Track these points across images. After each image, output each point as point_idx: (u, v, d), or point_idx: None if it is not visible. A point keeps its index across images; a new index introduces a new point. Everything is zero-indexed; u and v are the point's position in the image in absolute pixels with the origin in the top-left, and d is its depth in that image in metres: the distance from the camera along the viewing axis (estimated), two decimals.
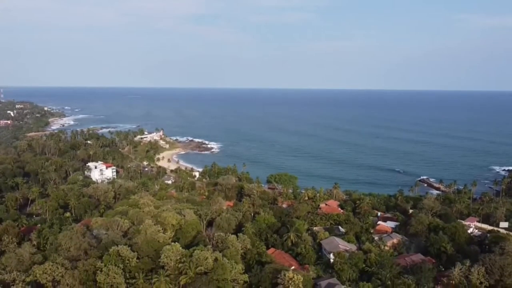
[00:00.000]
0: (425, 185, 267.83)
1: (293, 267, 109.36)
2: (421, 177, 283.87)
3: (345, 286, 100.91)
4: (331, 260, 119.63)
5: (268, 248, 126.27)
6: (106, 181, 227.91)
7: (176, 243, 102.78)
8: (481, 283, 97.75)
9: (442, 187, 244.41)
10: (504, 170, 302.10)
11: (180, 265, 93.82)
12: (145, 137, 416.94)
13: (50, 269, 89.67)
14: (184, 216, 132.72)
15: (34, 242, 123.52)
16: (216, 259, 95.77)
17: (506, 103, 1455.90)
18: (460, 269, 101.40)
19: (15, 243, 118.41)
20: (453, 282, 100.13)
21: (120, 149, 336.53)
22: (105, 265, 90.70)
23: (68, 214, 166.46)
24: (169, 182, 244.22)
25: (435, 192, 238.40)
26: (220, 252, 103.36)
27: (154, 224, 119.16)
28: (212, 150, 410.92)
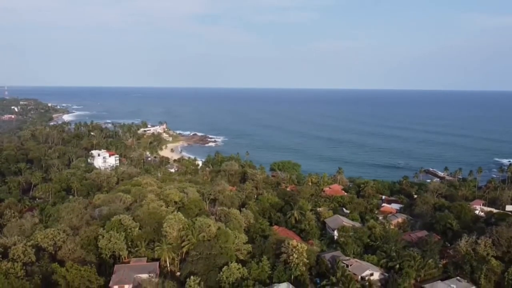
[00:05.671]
0: (429, 175, 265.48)
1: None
2: (425, 168, 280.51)
3: (349, 258, 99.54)
4: (335, 237, 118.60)
5: (271, 225, 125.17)
6: (109, 168, 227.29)
7: (179, 212, 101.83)
8: (488, 254, 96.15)
9: (446, 176, 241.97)
10: (510, 161, 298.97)
11: (183, 232, 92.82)
12: (148, 130, 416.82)
13: (52, 233, 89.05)
14: (186, 194, 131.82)
15: (37, 219, 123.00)
16: (219, 228, 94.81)
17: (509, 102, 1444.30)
18: (467, 241, 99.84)
19: (17, 217, 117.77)
20: (460, 254, 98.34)
21: (123, 141, 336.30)
22: (107, 232, 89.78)
23: (71, 197, 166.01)
24: (172, 170, 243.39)
25: (439, 180, 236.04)
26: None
27: (157, 200, 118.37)
28: (216, 143, 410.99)
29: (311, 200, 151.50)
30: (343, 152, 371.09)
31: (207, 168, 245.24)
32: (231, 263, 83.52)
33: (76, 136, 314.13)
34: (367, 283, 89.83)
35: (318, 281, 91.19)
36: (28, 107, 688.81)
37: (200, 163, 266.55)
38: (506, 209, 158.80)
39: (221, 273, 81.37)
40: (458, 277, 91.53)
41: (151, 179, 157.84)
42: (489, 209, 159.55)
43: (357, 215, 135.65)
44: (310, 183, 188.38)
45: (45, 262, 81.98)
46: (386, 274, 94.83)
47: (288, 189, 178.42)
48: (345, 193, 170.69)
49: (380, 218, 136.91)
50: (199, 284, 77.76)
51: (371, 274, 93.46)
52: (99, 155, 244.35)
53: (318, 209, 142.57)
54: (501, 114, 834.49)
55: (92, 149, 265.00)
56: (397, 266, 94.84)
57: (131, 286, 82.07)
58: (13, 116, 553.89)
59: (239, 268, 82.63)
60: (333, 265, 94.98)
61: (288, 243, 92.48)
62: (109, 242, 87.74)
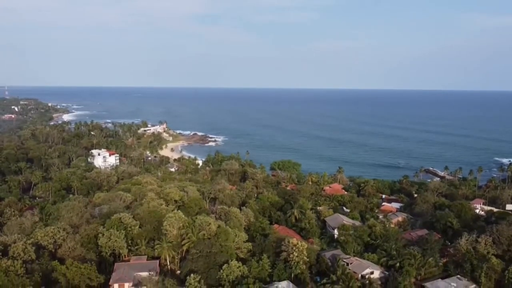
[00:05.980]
0: (430, 174, 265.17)
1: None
2: (425, 167, 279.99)
3: (350, 256, 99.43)
4: (335, 236, 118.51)
5: (271, 224, 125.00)
6: (109, 167, 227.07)
7: (179, 211, 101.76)
8: (488, 252, 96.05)
9: (446, 175, 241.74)
10: (510, 160, 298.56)
11: (183, 231, 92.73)
12: (148, 130, 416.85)
13: (52, 231, 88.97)
14: (187, 193, 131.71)
15: (37, 218, 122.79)
16: (219, 226, 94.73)
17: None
18: (467, 240, 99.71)
19: (17, 216, 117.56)
20: (461, 252, 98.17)
21: (123, 140, 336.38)
22: (107, 230, 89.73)
23: (71, 196, 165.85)
24: (172, 169, 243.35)
25: (439, 180, 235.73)
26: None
27: (157, 199, 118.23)
28: (216, 142, 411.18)
29: (311, 199, 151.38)
30: (343, 151, 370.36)
31: (207, 167, 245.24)
32: (231, 261, 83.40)
33: (76, 136, 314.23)
34: (367, 282, 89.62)
35: (318, 280, 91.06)
36: (28, 107, 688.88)
37: (200, 162, 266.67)
38: (506, 208, 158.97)
39: (221, 271, 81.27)
40: (458, 276, 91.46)
41: (151, 178, 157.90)
42: (489, 208, 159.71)
43: (357, 214, 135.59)
44: (310, 182, 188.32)
45: (45, 260, 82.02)
46: (387, 273, 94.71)
47: (288, 188, 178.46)
48: (345, 192, 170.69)
49: (380, 217, 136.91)
50: (199, 282, 77.71)
51: (371, 273, 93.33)
52: (99, 154, 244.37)
53: (318, 208, 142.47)
54: (501, 114, 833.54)
55: (92, 149, 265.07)
56: (398, 264, 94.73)
57: (131, 284, 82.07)
58: (13, 116, 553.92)
59: (239, 266, 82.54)
60: (333, 263, 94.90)
61: (288, 242, 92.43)
62: (109, 240, 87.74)
